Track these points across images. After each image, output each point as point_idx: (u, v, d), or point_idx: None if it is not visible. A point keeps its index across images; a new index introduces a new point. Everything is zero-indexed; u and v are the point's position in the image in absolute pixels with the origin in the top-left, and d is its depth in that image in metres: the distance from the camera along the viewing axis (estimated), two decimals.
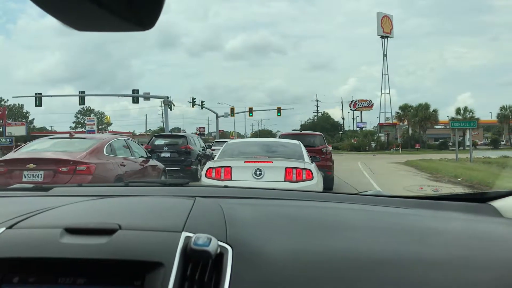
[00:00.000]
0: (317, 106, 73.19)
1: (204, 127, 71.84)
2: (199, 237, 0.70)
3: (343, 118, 70.51)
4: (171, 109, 36.12)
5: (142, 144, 9.81)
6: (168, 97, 34.82)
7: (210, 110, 44.72)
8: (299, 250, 0.78)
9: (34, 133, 50.17)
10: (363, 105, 59.08)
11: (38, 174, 6.10)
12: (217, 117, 45.40)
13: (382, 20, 54.04)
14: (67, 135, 7.44)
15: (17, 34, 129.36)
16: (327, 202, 1.24)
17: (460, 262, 0.78)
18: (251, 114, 43.44)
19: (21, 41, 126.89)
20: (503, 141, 55.31)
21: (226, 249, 0.73)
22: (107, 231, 0.74)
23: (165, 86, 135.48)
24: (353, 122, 64.09)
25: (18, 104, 64.73)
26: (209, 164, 5.69)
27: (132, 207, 1.03)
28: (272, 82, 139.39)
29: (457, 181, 11.44)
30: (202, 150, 13.83)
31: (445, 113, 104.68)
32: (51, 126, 69.70)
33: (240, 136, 62.35)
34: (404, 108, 49.71)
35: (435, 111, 48.51)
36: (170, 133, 18.27)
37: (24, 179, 5.99)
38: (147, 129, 70.40)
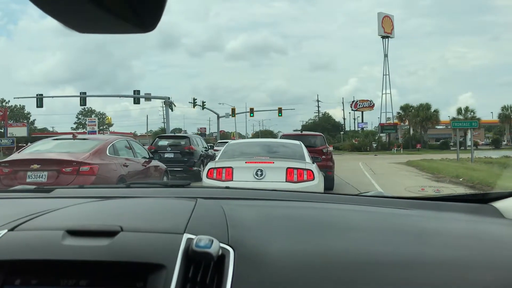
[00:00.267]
0: (318, 107, 73.28)
1: (205, 128, 71.82)
2: (201, 239, 0.70)
3: (344, 119, 70.63)
4: (172, 110, 36.21)
5: (143, 145, 9.85)
6: (169, 98, 34.84)
7: (211, 110, 44.86)
8: (301, 251, 0.78)
9: (36, 134, 50.27)
10: (364, 105, 58.99)
11: (42, 175, 6.17)
12: (218, 117, 45.48)
13: (383, 20, 53.97)
14: (70, 136, 7.54)
15: (18, 35, 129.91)
16: (329, 203, 1.24)
17: (462, 263, 0.78)
18: (252, 115, 43.54)
19: (22, 42, 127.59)
20: (504, 141, 55.22)
21: (228, 250, 0.73)
22: (109, 233, 0.74)
23: (166, 86, 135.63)
24: (354, 122, 64.01)
25: (20, 105, 64.90)
26: (210, 164, 5.69)
27: (133, 208, 1.03)
28: (273, 83, 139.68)
29: (458, 181, 11.44)
30: (205, 150, 13.96)
31: (446, 113, 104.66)
32: (53, 127, 69.92)
33: (241, 136, 62.31)
34: (405, 108, 49.61)
35: (436, 111, 48.48)
36: (173, 134, 18.40)
37: (28, 180, 6.07)
38: (148, 130, 70.72)
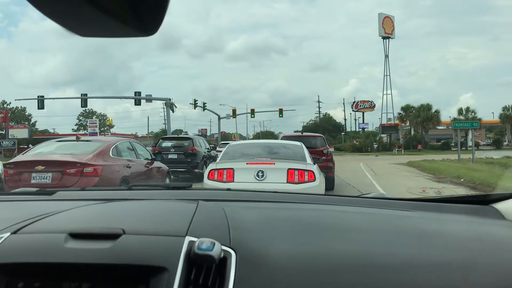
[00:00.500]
0: (319, 107, 73.31)
1: (206, 129, 71.90)
2: (203, 241, 0.70)
3: (345, 119, 70.69)
4: (173, 111, 36.17)
5: (145, 146, 9.90)
6: (170, 99, 34.82)
7: (212, 111, 44.81)
8: (303, 254, 0.78)
9: (37, 136, 50.31)
10: (365, 106, 59.01)
11: (47, 176, 6.24)
12: (219, 118, 45.45)
13: (384, 21, 53.96)
14: (74, 138, 7.61)
15: (19, 37, 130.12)
16: (330, 205, 1.24)
17: (463, 264, 0.78)
18: (253, 116, 43.57)
19: (23, 44, 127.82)
20: (505, 142, 55.01)
21: (230, 253, 0.73)
22: (111, 236, 0.74)
23: (167, 88, 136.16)
24: (355, 123, 64.08)
25: (21, 106, 64.82)
26: (211, 166, 5.70)
27: (135, 211, 1.03)
28: (273, 83, 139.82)
29: (459, 182, 11.43)
30: (207, 151, 14.07)
31: (447, 114, 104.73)
32: (54, 129, 70.08)
33: (242, 137, 62.31)
34: (406, 108, 49.56)
35: (437, 111, 48.39)
36: (176, 136, 18.50)
37: (32, 181, 6.15)
38: (149, 131, 70.66)
